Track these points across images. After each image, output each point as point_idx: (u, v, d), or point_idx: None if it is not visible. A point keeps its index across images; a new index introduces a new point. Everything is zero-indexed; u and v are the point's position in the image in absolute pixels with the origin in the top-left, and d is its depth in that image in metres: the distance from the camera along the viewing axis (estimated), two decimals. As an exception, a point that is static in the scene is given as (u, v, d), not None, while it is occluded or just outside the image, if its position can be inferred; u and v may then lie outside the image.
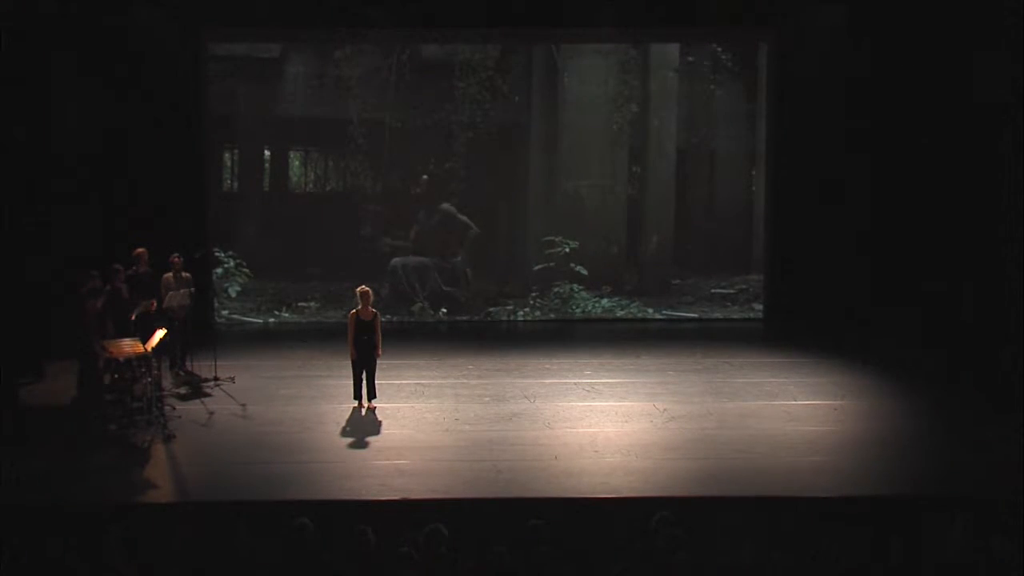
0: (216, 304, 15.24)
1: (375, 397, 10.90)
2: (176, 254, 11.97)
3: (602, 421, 10.57)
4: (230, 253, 15.90)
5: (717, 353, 13.41)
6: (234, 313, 15.79)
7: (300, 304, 15.93)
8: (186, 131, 14.17)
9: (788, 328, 14.59)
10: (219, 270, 15.66)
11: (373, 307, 10.85)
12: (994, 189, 12.74)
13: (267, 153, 17.03)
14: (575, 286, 16.18)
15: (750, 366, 12.74)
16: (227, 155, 16.76)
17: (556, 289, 16.20)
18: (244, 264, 15.94)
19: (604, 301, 16.22)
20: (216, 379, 11.74)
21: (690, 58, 16.38)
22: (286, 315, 15.87)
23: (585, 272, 16.17)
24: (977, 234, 13.04)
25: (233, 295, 15.85)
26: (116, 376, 10.36)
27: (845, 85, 14.11)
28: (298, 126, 16.57)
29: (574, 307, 16.16)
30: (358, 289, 10.86)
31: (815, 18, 14.33)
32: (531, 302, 16.19)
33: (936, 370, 12.40)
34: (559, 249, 16.20)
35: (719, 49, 16.23)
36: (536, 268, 16.27)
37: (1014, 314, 12.26)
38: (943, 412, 10.95)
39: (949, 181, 13.35)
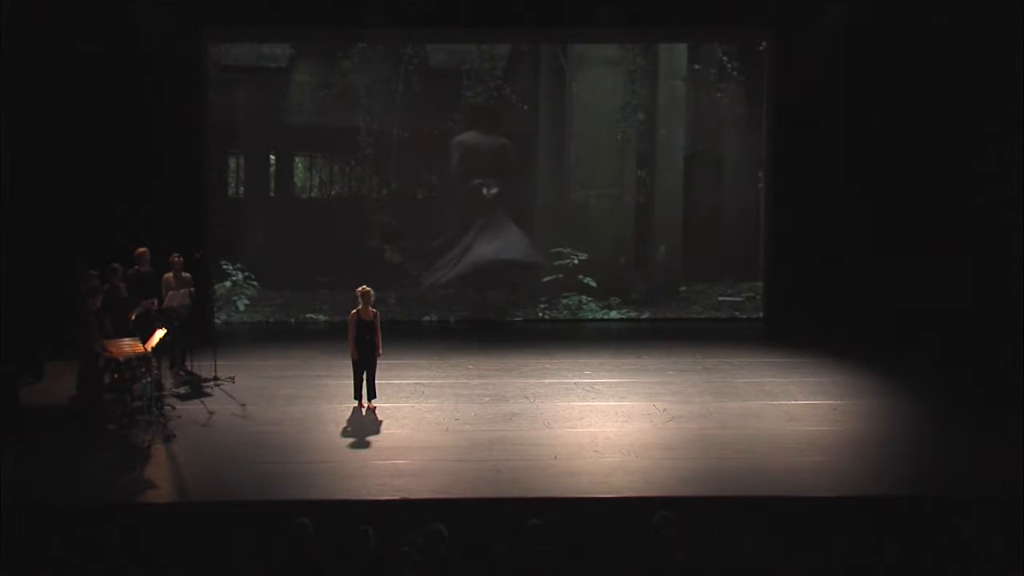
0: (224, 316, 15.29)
1: (375, 397, 10.90)
2: (176, 254, 11.97)
3: (602, 421, 10.57)
4: (238, 265, 15.86)
5: (717, 353, 13.41)
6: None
7: (308, 316, 15.85)
8: (187, 131, 14.17)
9: (788, 328, 14.58)
10: (227, 283, 15.63)
11: (373, 307, 10.87)
12: (996, 188, 12.76)
13: (272, 159, 17.03)
14: (583, 297, 16.15)
15: (750, 366, 12.74)
16: (232, 161, 16.75)
17: (565, 301, 16.18)
18: (252, 277, 15.89)
19: (613, 312, 16.18)
20: (216, 379, 11.74)
21: (696, 66, 16.37)
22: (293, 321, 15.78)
23: (594, 284, 16.12)
24: (978, 233, 13.06)
25: (241, 308, 15.79)
26: (116, 376, 10.36)
27: (845, 85, 14.11)
28: (304, 134, 16.55)
29: (582, 318, 16.14)
30: (359, 289, 10.84)
31: (815, 18, 14.32)
32: (539, 314, 16.16)
33: (936, 370, 12.39)
34: (568, 260, 16.18)
35: (724, 57, 16.23)
36: (544, 280, 16.23)
37: (1014, 312, 12.28)
38: (943, 412, 10.94)
39: (951, 180, 13.36)
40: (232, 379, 11.79)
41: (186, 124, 14.12)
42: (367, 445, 9.87)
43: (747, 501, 8.44)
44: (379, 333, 10.79)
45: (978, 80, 12.96)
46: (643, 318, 16.13)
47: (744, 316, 16.12)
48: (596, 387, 11.85)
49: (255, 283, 15.93)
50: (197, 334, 12.27)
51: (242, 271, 15.87)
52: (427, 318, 15.98)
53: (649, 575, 6.60)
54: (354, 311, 10.78)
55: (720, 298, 16.38)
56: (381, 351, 10.84)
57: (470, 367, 12.74)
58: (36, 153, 12.83)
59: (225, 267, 15.64)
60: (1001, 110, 12.61)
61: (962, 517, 7.26)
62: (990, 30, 12.68)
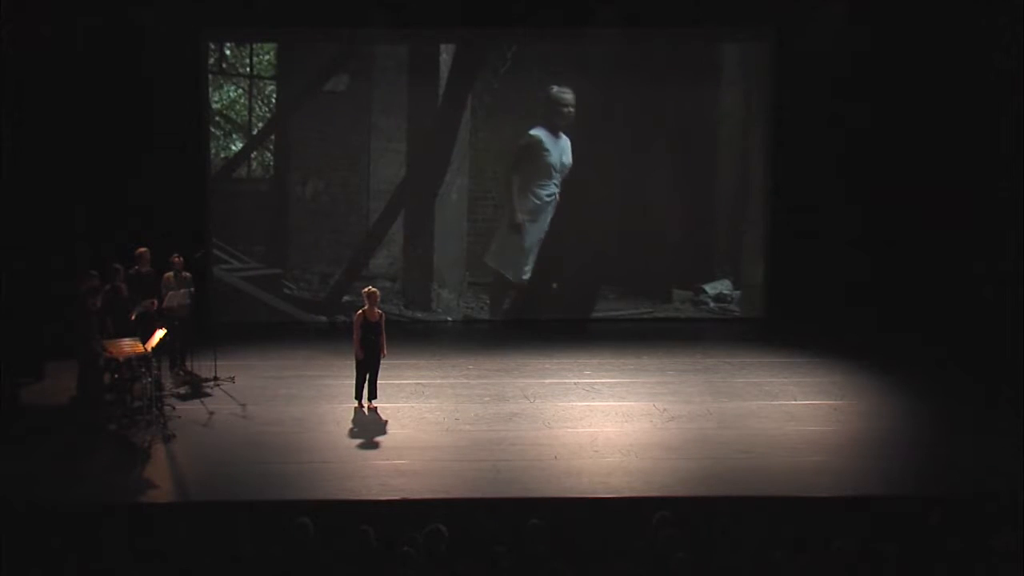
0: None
1: (376, 397, 10.90)
2: (176, 254, 11.97)
3: (602, 421, 10.57)
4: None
5: (717, 353, 13.40)
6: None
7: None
8: (187, 130, 14.16)
9: (788, 328, 14.58)
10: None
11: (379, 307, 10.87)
12: (996, 187, 12.76)
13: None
14: None
15: (750, 366, 12.74)
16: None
17: None
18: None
19: (610, 310, 16.14)
20: (216, 379, 11.74)
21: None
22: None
23: None
24: (977, 233, 13.06)
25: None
26: (116, 376, 10.37)
27: (845, 85, 14.11)
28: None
29: (582, 318, 16.06)
30: (365, 290, 10.87)
31: (815, 18, 14.32)
32: None
33: (936, 369, 12.40)
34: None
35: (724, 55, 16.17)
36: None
37: (1014, 312, 12.28)
38: (943, 412, 10.95)
39: (950, 179, 13.36)
40: (232, 379, 11.79)
41: (186, 123, 14.12)
42: (367, 445, 9.87)
43: (747, 501, 8.44)
44: (384, 334, 10.80)
45: (978, 79, 12.97)
46: (643, 318, 16.10)
47: (743, 316, 16.09)
48: (596, 387, 11.84)
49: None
50: (197, 334, 12.27)
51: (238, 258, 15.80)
52: (425, 316, 15.96)
53: (649, 575, 6.60)
54: (360, 311, 10.78)
55: (719, 295, 16.33)
56: (386, 352, 10.86)
57: (470, 367, 12.73)
58: (37, 152, 12.81)
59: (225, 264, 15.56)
60: (1001, 107, 12.62)
61: (962, 517, 7.26)
62: (988, 29, 12.69)
